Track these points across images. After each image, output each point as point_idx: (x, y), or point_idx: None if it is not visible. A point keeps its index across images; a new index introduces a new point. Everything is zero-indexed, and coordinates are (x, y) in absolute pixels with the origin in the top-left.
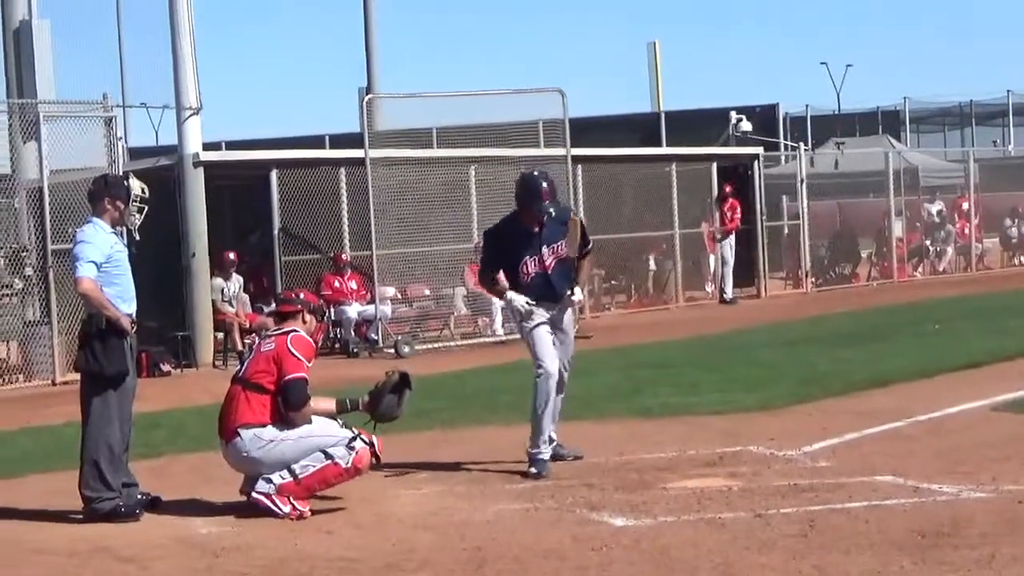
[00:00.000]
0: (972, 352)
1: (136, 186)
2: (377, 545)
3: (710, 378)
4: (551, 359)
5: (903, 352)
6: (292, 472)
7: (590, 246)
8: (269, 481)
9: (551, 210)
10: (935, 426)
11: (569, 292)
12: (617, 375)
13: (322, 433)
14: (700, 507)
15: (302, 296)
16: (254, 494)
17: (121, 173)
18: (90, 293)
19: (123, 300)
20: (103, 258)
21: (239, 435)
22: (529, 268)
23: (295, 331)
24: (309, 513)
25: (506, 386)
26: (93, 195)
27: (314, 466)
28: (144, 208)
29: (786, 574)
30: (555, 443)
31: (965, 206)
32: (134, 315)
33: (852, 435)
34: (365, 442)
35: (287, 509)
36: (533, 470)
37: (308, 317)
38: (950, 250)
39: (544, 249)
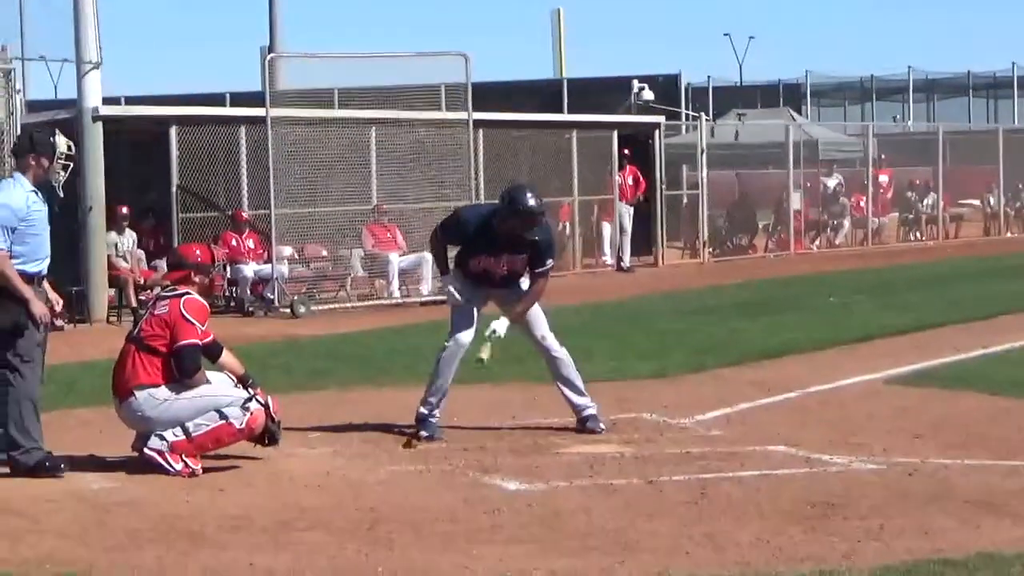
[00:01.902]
0: (867, 325)
1: (62, 143)
2: (269, 504)
3: (605, 345)
4: (464, 330)
5: (799, 324)
6: (185, 430)
7: (546, 267)
8: (162, 438)
9: (536, 236)
10: (828, 398)
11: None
12: (512, 340)
13: (218, 393)
14: (593, 473)
15: (188, 258)
16: (146, 451)
17: (48, 128)
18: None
19: (30, 260)
20: (17, 221)
21: (134, 395)
22: (481, 263)
23: (188, 294)
24: (201, 471)
25: (402, 348)
26: (17, 151)
27: (208, 425)
28: (70, 165)
29: (676, 541)
30: (585, 411)
31: (883, 179)
32: (43, 273)
33: (746, 405)
34: (260, 403)
35: (179, 466)
36: (424, 433)
37: (198, 277)
38: (847, 223)
39: (504, 256)
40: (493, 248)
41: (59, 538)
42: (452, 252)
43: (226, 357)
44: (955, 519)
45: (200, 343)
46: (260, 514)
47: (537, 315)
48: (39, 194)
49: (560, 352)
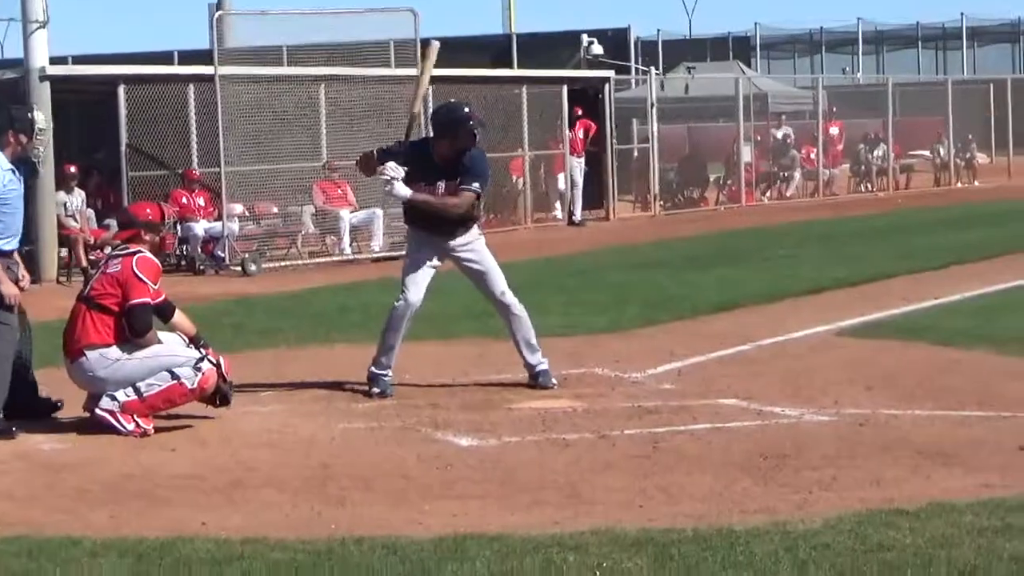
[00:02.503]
0: (818, 277)
1: (40, 119)
2: (221, 462)
3: (557, 300)
4: (414, 289)
5: (750, 276)
6: (137, 390)
7: (471, 187)
8: (113, 398)
9: (467, 160)
10: (780, 350)
11: (392, 179)
12: (466, 296)
13: (169, 353)
14: (545, 428)
15: (138, 217)
16: (97, 411)
17: (24, 105)
18: None
19: (2, 237)
20: None
21: (84, 355)
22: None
23: (140, 252)
24: (152, 431)
25: (353, 305)
26: None
27: (159, 385)
28: (47, 141)
29: (629, 494)
30: (537, 367)
31: (833, 131)
32: (16, 250)
33: (697, 358)
34: (212, 363)
35: (130, 427)
36: (376, 389)
37: (148, 236)
38: (797, 175)
39: (441, 184)
40: (429, 175)
41: (9, 500)
42: None
43: (178, 317)
44: (906, 469)
45: (152, 302)
46: (213, 473)
47: (495, 271)
48: (16, 172)
49: (519, 309)
